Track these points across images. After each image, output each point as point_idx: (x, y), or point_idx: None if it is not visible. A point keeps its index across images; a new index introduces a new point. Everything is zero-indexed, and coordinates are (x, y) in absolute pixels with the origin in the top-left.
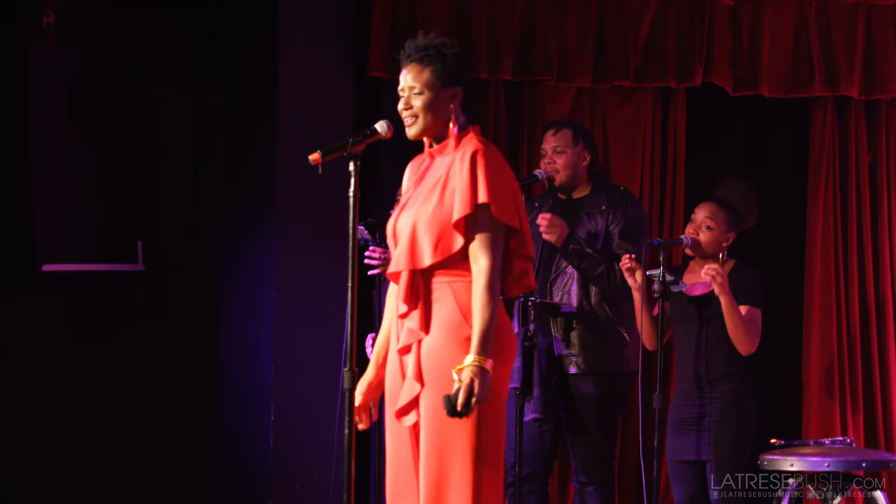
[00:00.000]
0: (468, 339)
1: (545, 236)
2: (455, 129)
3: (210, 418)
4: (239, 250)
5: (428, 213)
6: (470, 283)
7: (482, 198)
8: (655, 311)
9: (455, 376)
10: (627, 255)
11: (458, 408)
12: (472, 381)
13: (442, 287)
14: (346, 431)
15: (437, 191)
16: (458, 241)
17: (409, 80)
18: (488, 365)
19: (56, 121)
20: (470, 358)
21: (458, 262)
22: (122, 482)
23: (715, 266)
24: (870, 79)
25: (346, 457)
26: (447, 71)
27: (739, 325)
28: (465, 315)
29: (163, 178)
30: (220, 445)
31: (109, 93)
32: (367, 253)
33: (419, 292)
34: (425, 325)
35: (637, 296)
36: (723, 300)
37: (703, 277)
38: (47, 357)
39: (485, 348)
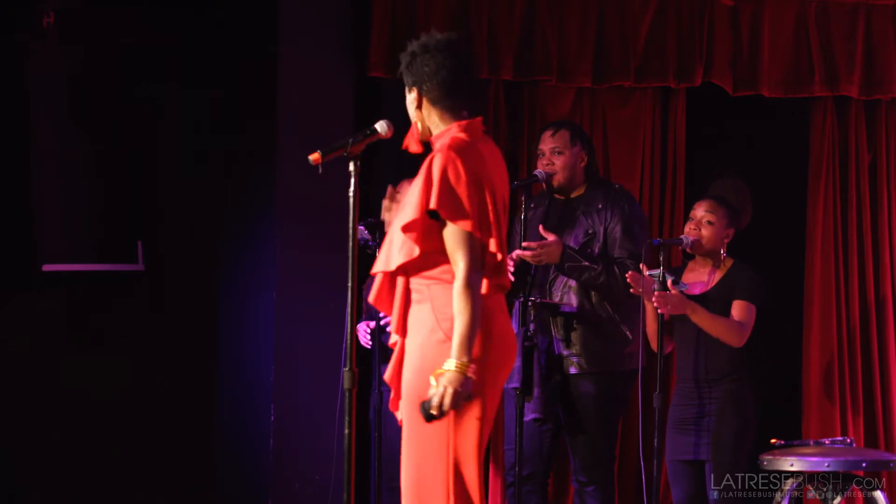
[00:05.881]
0: (438, 342)
1: (538, 263)
2: (415, 131)
3: (210, 418)
4: (239, 250)
5: (399, 217)
6: (449, 286)
7: (432, 204)
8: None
9: (433, 381)
10: (628, 275)
11: (433, 411)
12: (445, 389)
13: (421, 290)
14: (346, 431)
15: (409, 195)
16: (415, 246)
17: None
18: (470, 371)
19: (56, 121)
20: (451, 363)
21: (438, 264)
22: (122, 482)
23: (658, 295)
24: (870, 79)
25: (346, 457)
26: (410, 72)
27: (713, 326)
28: (439, 318)
29: (163, 178)
30: (220, 445)
31: (109, 93)
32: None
33: (392, 294)
34: (401, 327)
35: (649, 306)
36: (689, 314)
37: (655, 303)
38: (47, 357)
39: (465, 352)
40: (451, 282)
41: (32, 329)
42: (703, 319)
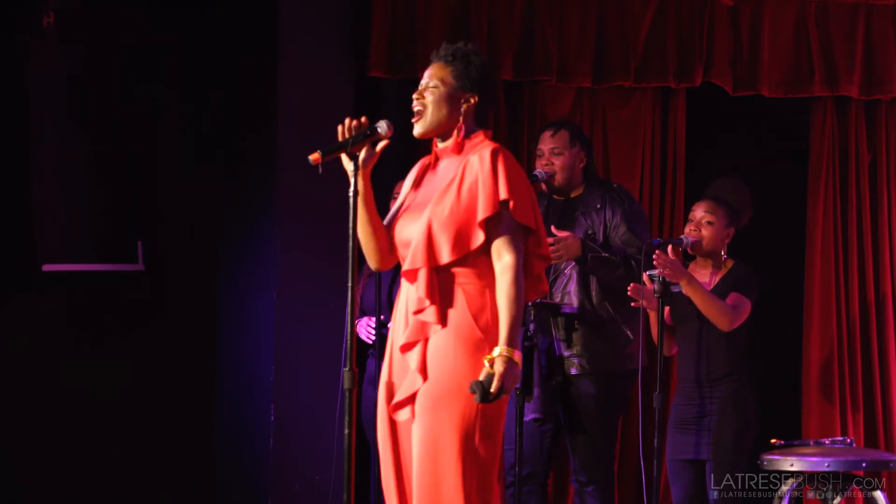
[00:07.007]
0: (476, 342)
1: (559, 259)
2: (461, 133)
3: (210, 418)
4: (239, 250)
5: (445, 211)
6: (482, 286)
7: (503, 195)
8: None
9: (486, 363)
10: (630, 288)
11: (492, 391)
12: (505, 370)
13: (455, 288)
14: (346, 431)
15: (453, 189)
16: (479, 239)
17: (428, 75)
18: (517, 357)
19: (56, 121)
20: (500, 349)
21: (472, 263)
22: (122, 482)
23: (658, 255)
24: (870, 79)
25: (346, 457)
26: (468, 75)
27: (705, 303)
28: (476, 318)
29: (163, 178)
30: (220, 445)
31: (109, 93)
32: None
33: (437, 289)
34: (442, 319)
35: (652, 315)
36: (682, 284)
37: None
38: (47, 357)
39: (514, 341)
40: (483, 285)
41: (32, 329)
42: (696, 293)
